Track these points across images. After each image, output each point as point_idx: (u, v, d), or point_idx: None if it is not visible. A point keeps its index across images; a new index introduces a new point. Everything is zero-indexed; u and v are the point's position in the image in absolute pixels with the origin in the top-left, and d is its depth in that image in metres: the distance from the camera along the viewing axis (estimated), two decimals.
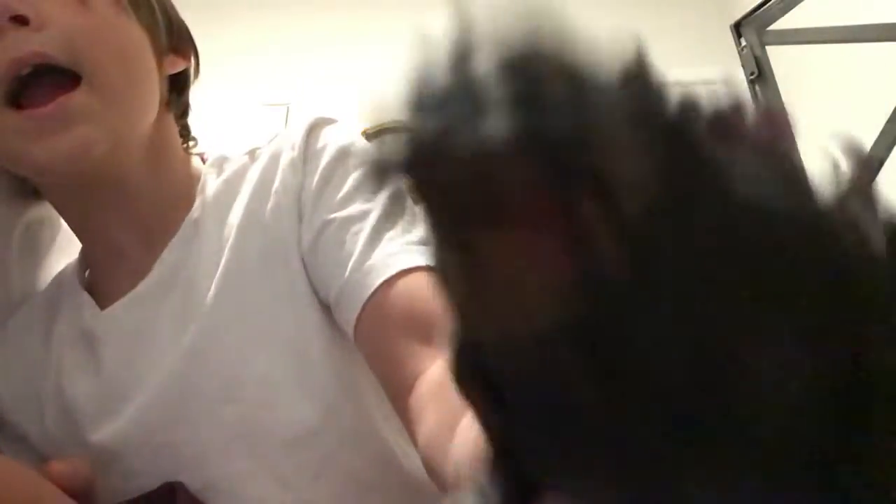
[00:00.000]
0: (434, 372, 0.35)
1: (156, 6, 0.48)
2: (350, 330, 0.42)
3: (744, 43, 1.58)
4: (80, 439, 0.45)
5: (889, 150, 1.28)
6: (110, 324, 0.46)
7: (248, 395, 0.43)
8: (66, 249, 0.61)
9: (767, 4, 1.53)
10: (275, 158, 0.48)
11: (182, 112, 0.54)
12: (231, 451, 0.42)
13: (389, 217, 0.43)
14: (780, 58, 1.54)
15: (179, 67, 0.52)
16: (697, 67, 2.39)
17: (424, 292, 0.37)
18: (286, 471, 0.43)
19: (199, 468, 0.42)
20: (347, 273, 0.41)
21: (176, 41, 0.51)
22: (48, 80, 0.39)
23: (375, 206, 0.43)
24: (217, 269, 0.45)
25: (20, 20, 0.37)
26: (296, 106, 2.39)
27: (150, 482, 0.41)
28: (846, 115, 1.74)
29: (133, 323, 0.46)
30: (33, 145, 0.39)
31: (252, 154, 0.51)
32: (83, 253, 0.53)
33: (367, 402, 0.46)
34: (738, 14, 1.62)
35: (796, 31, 1.54)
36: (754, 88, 1.54)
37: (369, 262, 0.41)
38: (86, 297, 0.49)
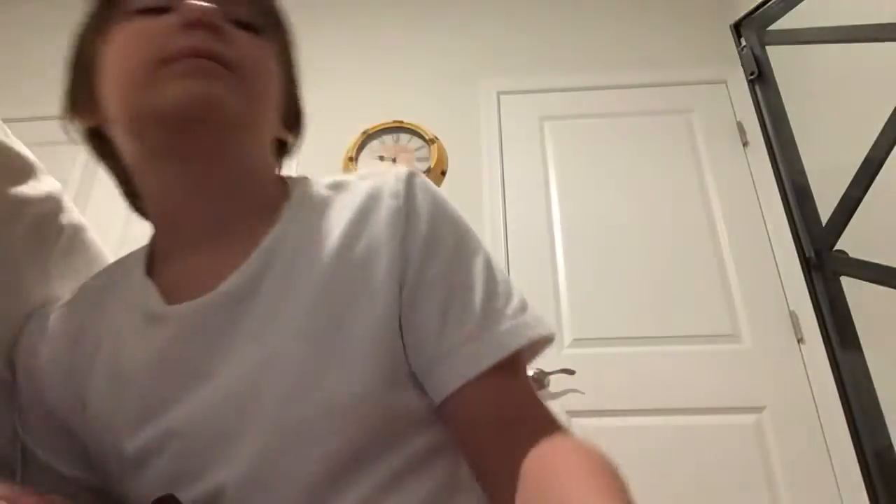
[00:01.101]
0: (528, 466, 0.41)
1: (290, 87, 0.60)
2: (439, 395, 0.47)
3: (744, 43, 1.58)
4: (123, 436, 0.47)
5: (889, 150, 1.28)
6: (179, 319, 0.49)
7: (311, 415, 0.45)
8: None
9: (767, 4, 1.53)
10: (373, 199, 0.53)
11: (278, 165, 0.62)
12: (281, 453, 0.45)
13: (491, 289, 0.50)
14: (780, 58, 1.54)
15: (286, 137, 0.61)
16: (697, 67, 2.40)
17: (522, 381, 0.47)
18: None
19: (247, 461, 0.45)
20: (460, 340, 0.47)
21: (290, 118, 0.60)
22: None
23: (476, 270, 0.50)
24: (300, 292, 0.48)
25: (215, 29, 0.48)
26: None
27: (192, 467, 0.45)
28: (846, 115, 1.74)
29: (204, 324, 0.48)
30: (181, 81, 0.46)
31: (337, 187, 0.56)
32: (153, 239, 0.57)
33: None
34: (738, 14, 1.62)
35: (796, 31, 1.54)
36: (754, 88, 1.54)
37: (485, 339, 0.47)
38: (152, 288, 0.52)
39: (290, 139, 0.61)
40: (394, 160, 2.27)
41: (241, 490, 0.44)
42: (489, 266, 0.52)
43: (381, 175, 0.56)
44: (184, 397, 0.47)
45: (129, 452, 0.47)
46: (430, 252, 0.50)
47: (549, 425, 0.46)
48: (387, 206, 0.52)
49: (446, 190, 2.22)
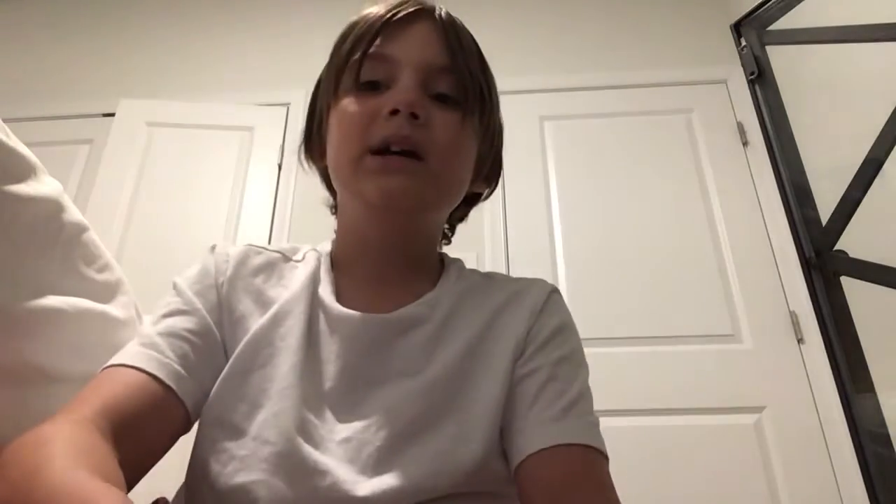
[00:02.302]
0: None
1: (493, 146, 0.67)
2: (521, 454, 0.52)
3: (744, 43, 1.58)
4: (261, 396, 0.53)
5: (889, 150, 1.28)
6: (347, 324, 0.58)
7: (446, 479, 0.51)
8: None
9: (767, 4, 1.53)
10: (516, 297, 0.63)
11: (458, 217, 0.72)
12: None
13: (583, 396, 0.57)
14: (780, 58, 1.54)
15: (480, 189, 0.70)
16: (697, 67, 2.40)
17: (590, 465, 0.52)
18: None
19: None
20: (542, 419, 0.53)
21: (490, 173, 0.69)
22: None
23: (577, 378, 0.58)
24: (445, 353, 0.57)
25: (414, 116, 0.56)
26: (296, 106, 2.39)
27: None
28: (846, 115, 1.74)
29: (366, 336, 0.57)
30: (377, 178, 0.56)
31: (488, 277, 0.67)
32: (335, 246, 0.67)
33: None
34: (738, 14, 1.63)
35: (796, 31, 1.54)
36: (754, 88, 1.54)
37: (561, 424, 0.53)
38: (332, 286, 0.61)
39: (485, 191, 0.70)
40: None
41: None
42: (587, 383, 0.59)
43: (527, 280, 0.66)
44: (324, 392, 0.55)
45: (235, 420, 0.52)
46: (548, 346, 0.59)
47: (603, 502, 0.50)
48: (526, 306, 0.62)
49: None
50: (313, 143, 0.66)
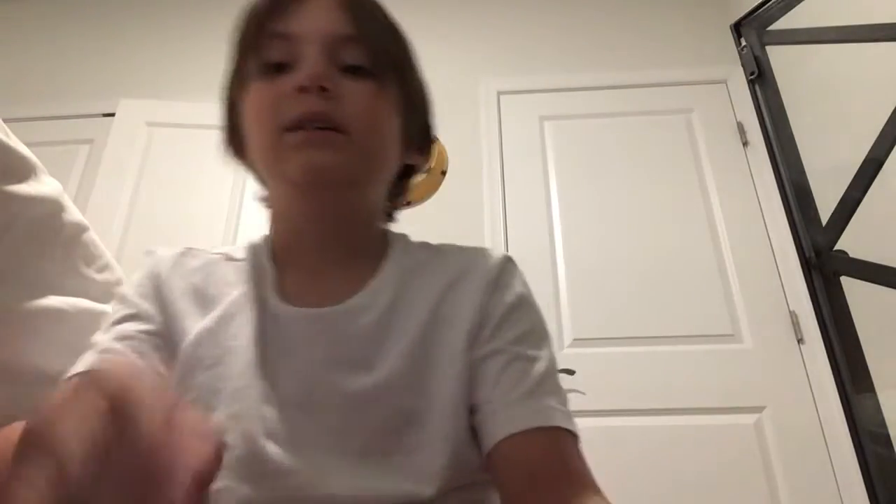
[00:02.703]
0: None
1: (420, 112, 0.63)
2: (491, 440, 0.51)
3: (744, 43, 1.58)
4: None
5: (889, 150, 1.28)
6: (294, 322, 0.55)
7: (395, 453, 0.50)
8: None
9: (767, 4, 1.53)
10: (466, 271, 0.59)
11: (396, 193, 0.67)
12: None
13: (549, 372, 0.55)
14: (780, 58, 1.54)
15: (414, 161, 0.65)
16: (697, 67, 2.40)
17: (565, 449, 0.50)
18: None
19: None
20: (509, 402, 0.51)
21: (421, 144, 0.65)
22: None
23: (541, 355, 0.55)
24: (396, 340, 0.54)
25: (324, 91, 0.53)
26: None
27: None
28: (846, 115, 1.74)
29: (314, 332, 0.54)
30: (298, 153, 0.53)
31: (436, 251, 0.63)
32: (272, 234, 0.63)
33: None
34: (738, 14, 1.63)
35: (796, 31, 1.54)
36: (754, 88, 1.54)
37: (530, 405, 0.51)
38: (275, 283, 0.58)
39: (418, 162, 0.66)
40: None
41: None
42: (551, 359, 0.56)
43: (478, 249, 0.62)
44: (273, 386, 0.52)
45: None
46: (505, 325, 0.56)
47: (582, 488, 0.48)
48: (477, 280, 0.58)
49: (446, 190, 2.22)
50: (236, 139, 0.63)
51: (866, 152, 1.31)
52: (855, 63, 1.69)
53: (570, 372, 1.85)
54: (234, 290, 0.58)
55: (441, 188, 2.22)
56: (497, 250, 0.63)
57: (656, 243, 2.06)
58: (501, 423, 0.50)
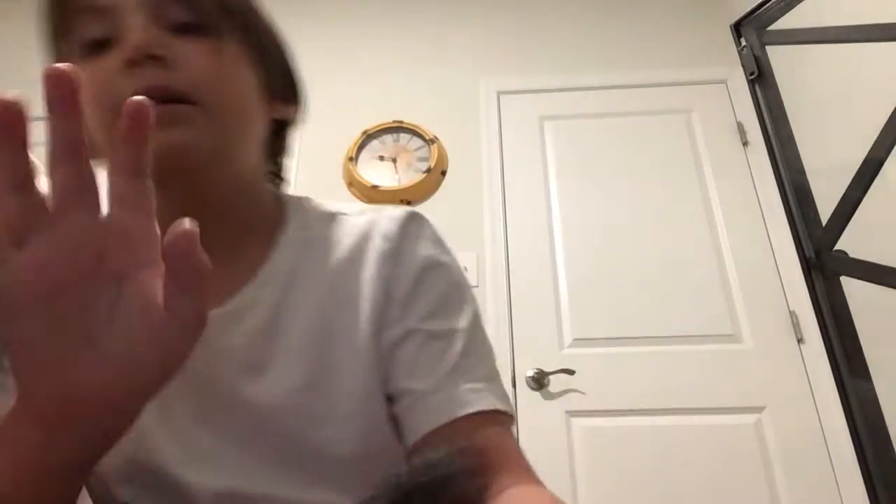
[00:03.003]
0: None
1: (274, 58, 0.55)
2: (413, 436, 0.46)
3: (744, 43, 1.58)
4: None
5: (889, 150, 1.28)
6: None
7: (307, 457, 0.46)
8: None
9: (767, 4, 1.53)
10: (364, 240, 0.53)
11: (277, 151, 0.60)
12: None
13: (468, 346, 0.49)
14: (780, 58, 1.54)
15: (286, 114, 0.58)
16: (697, 67, 2.40)
17: (491, 436, 0.46)
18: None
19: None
20: (427, 392, 0.47)
21: (286, 92, 0.57)
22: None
23: (459, 331, 0.49)
24: (293, 326, 0.49)
25: (157, 59, 0.45)
26: None
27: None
28: (846, 115, 1.74)
29: (217, 345, 0.48)
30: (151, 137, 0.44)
31: (334, 219, 0.56)
32: None
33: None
34: (738, 14, 1.63)
35: (796, 31, 1.54)
36: (754, 88, 1.54)
37: (449, 393, 0.47)
38: None
39: (290, 114, 0.58)
40: (394, 160, 2.27)
41: None
42: (474, 326, 0.51)
43: (377, 212, 0.55)
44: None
45: None
46: (414, 298, 0.50)
47: (514, 477, 0.44)
48: (378, 249, 0.52)
49: (446, 190, 2.23)
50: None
51: (866, 152, 1.31)
52: (855, 63, 1.69)
53: (570, 372, 1.85)
54: None
55: (441, 188, 2.22)
56: (400, 207, 0.55)
57: (656, 243, 2.05)
58: (420, 419, 0.46)
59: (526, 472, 0.46)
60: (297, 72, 0.59)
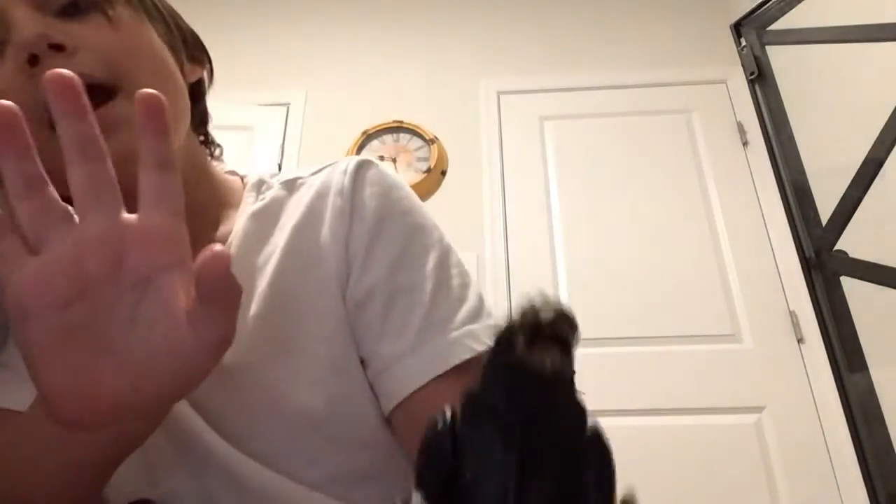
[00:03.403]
0: None
1: (168, 19, 0.50)
2: (389, 402, 0.44)
3: (744, 43, 1.58)
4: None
5: (889, 150, 1.28)
6: None
7: (275, 425, 0.44)
8: None
9: (767, 4, 1.53)
10: (321, 198, 0.50)
11: (201, 120, 0.56)
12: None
13: (438, 290, 0.45)
14: (780, 58, 1.54)
15: (197, 76, 0.54)
16: (697, 67, 2.40)
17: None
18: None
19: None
20: (397, 355, 0.44)
21: (192, 50, 0.53)
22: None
23: (426, 279, 0.46)
24: (254, 295, 0.46)
25: (56, 48, 0.40)
26: (296, 106, 2.39)
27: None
28: (846, 115, 1.74)
29: None
30: None
31: (291, 185, 0.53)
32: None
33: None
34: (738, 14, 1.63)
35: (796, 31, 1.54)
36: (754, 88, 1.54)
37: (425, 351, 0.43)
38: None
39: (199, 74, 0.54)
40: (394, 160, 2.27)
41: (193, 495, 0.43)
42: (442, 266, 0.47)
43: (331, 168, 0.52)
44: None
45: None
46: (374, 251, 0.47)
47: None
48: (332, 205, 0.49)
49: (446, 190, 2.23)
50: None
51: (866, 152, 1.31)
52: (855, 63, 1.69)
53: None
54: None
55: (441, 188, 2.22)
56: (351, 158, 0.52)
57: (656, 243, 2.05)
58: (397, 382, 0.43)
59: None
60: (189, 31, 0.54)
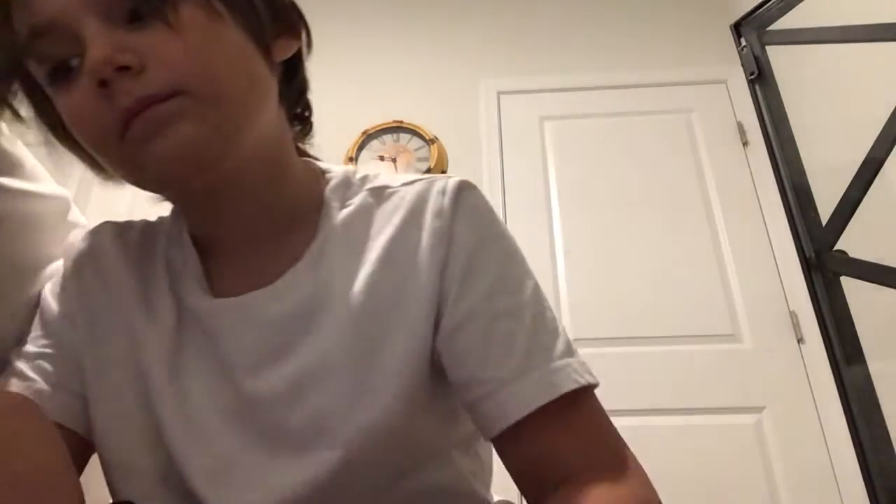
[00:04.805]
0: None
1: (257, 6, 0.47)
2: (493, 427, 0.44)
3: (744, 43, 1.58)
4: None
5: (889, 150, 1.28)
6: (225, 315, 0.48)
7: (339, 439, 0.44)
8: None
9: (767, 4, 1.53)
10: (415, 215, 0.49)
11: (300, 92, 0.56)
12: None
13: (538, 318, 0.46)
14: (780, 58, 1.54)
15: (292, 50, 0.52)
16: (697, 67, 2.40)
17: (586, 417, 0.46)
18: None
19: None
20: (508, 379, 0.44)
21: (283, 23, 0.50)
22: None
23: (525, 306, 0.47)
24: (338, 314, 0.46)
25: (126, 69, 0.40)
26: None
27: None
28: (846, 115, 1.74)
29: (231, 324, 0.47)
30: (151, 146, 0.41)
31: (380, 194, 0.52)
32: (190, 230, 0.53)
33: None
34: (738, 14, 1.63)
35: (796, 31, 1.54)
36: (754, 88, 1.54)
37: (533, 378, 0.44)
38: (199, 280, 0.50)
39: (291, 45, 0.52)
40: (394, 160, 2.27)
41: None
42: (538, 296, 0.48)
43: (426, 184, 0.51)
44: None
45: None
46: (473, 276, 0.47)
47: (594, 471, 0.43)
48: (429, 227, 0.48)
49: None
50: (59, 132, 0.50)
51: (866, 152, 1.31)
52: (855, 63, 1.69)
53: None
54: (153, 288, 0.51)
55: None
56: (449, 178, 0.52)
57: (656, 243, 2.05)
58: (505, 407, 0.43)
59: (624, 467, 0.47)
60: (292, 7, 0.52)
